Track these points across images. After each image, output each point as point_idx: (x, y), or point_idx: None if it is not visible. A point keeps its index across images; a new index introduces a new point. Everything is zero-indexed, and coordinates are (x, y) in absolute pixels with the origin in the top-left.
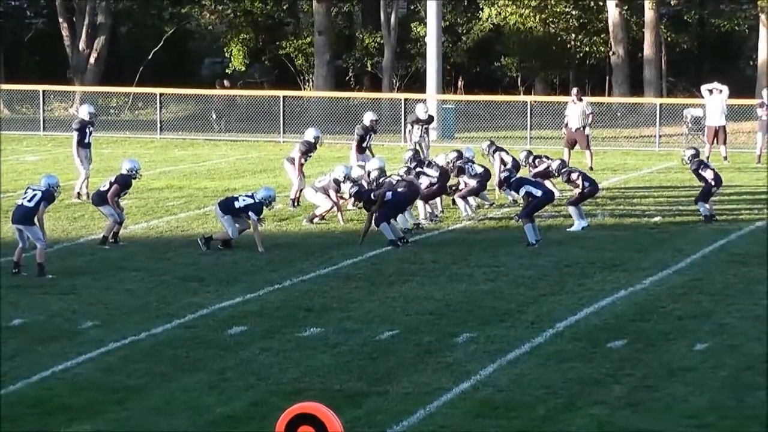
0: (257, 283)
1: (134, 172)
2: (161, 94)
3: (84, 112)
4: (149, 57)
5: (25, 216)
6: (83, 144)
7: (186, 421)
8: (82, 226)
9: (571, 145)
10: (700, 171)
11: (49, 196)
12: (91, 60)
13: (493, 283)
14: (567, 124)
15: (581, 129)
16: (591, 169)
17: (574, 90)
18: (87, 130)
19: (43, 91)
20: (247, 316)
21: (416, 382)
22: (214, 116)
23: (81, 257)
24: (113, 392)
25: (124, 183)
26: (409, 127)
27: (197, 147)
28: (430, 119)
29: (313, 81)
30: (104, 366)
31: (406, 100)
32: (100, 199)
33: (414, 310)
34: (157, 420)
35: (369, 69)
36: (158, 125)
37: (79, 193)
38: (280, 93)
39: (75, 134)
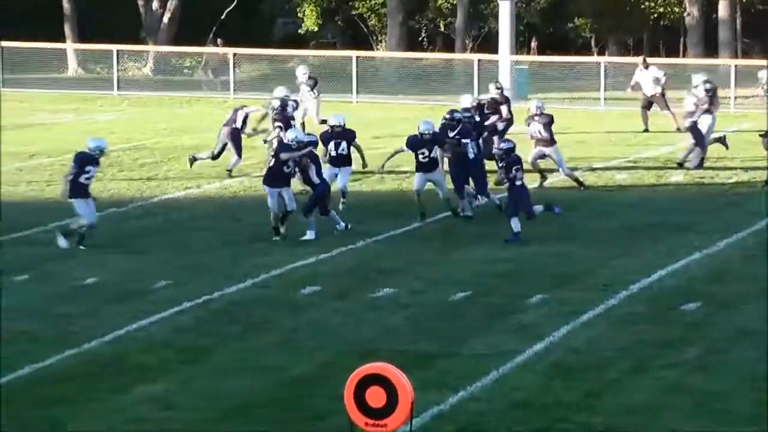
0: (330, 243)
1: (295, 143)
2: (234, 54)
3: None
4: (222, 17)
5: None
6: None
7: (257, 380)
8: (156, 186)
9: (647, 105)
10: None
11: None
12: (165, 20)
13: (563, 246)
14: (634, 88)
15: (656, 94)
16: (678, 130)
17: (641, 58)
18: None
19: (117, 51)
20: (319, 276)
21: (488, 343)
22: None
23: (154, 217)
24: (185, 352)
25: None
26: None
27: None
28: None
29: (385, 41)
30: (177, 325)
31: (479, 61)
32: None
33: (485, 272)
34: (228, 380)
35: (442, 30)
36: (231, 85)
37: None
38: (353, 53)
39: None
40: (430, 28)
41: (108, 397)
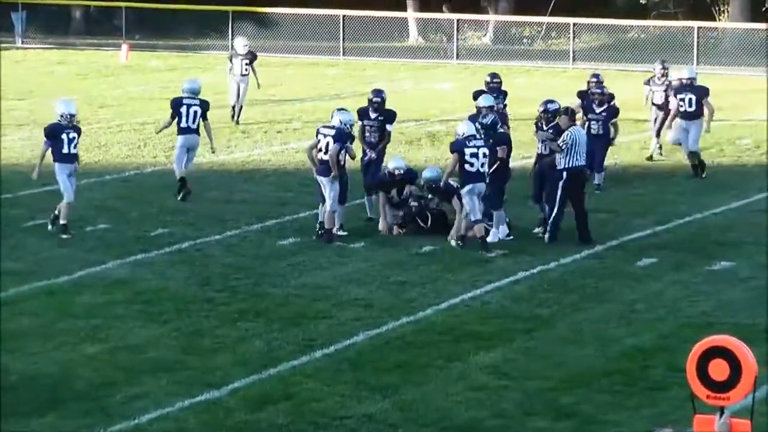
0: (667, 215)
1: None
2: (575, 24)
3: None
4: None
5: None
6: (61, 156)
7: (594, 351)
8: None
9: None
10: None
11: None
12: None
13: None
14: None
15: None
16: None
17: None
18: (64, 136)
19: (458, 20)
20: (656, 248)
21: None
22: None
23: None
24: (521, 321)
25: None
26: (229, 64)
27: (609, 79)
28: (252, 56)
29: (728, 11)
30: (512, 295)
31: None
32: None
33: None
34: (565, 350)
35: None
36: (571, 55)
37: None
38: (694, 24)
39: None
40: None
41: (445, 364)
